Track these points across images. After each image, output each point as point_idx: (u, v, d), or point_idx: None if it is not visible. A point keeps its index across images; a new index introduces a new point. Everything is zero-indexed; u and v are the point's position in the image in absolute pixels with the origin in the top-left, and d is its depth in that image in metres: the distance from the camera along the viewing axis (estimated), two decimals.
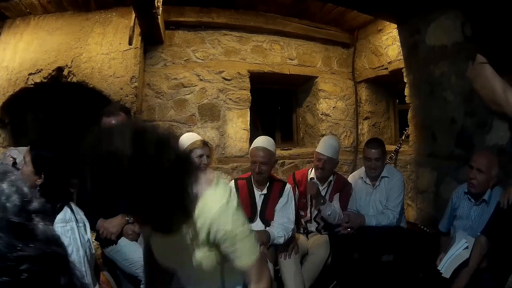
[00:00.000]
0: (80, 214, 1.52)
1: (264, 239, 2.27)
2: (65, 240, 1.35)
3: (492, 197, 2.11)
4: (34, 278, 0.38)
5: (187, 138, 2.51)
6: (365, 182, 2.83)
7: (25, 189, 0.45)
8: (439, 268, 2.13)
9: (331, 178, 2.77)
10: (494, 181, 2.11)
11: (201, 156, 2.36)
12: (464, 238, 2.15)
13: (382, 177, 2.76)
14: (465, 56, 2.47)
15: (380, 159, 2.69)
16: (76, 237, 1.42)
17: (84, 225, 1.51)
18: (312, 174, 2.82)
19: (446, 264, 2.11)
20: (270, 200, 2.45)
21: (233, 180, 2.60)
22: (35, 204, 0.44)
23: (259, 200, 2.46)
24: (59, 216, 1.42)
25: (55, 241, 0.45)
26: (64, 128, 3.67)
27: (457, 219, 2.30)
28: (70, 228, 1.42)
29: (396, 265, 2.48)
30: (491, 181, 2.10)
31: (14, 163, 2.29)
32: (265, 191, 2.47)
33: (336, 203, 2.70)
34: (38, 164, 1.47)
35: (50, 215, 0.49)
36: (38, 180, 1.46)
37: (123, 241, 2.09)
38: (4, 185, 0.42)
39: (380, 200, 2.76)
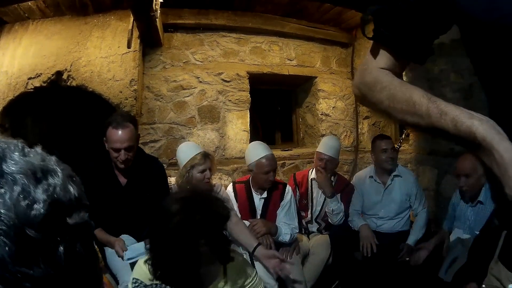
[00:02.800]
0: None
1: (272, 229, 2.26)
2: None
3: (488, 196, 2.08)
4: None
5: (186, 153, 2.34)
6: (375, 180, 2.72)
7: (65, 196, 0.34)
8: (440, 275, 2.14)
9: (332, 179, 2.77)
10: (484, 179, 2.08)
11: (203, 171, 2.26)
12: (460, 243, 2.15)
13: (394, 176, 2.65)
14: (463, 52, 2.49)
15: (394, 149, 2.65)
16: None
17: None
18: (313, 174, 2.82)
19: (446, 270, 2.12)
20: (271, 204, 2.44)
21: (231, 184, 2.58)
22: (73, 219, 0.34)
23: (259, 204, 2.45)
24: None
25: (78, 268, 0.35)
26: (64, 132, 3.68)
27: (456, 220, 2.31)
28: None
29: (398, 266, 2.47)
30: (481, 180, 2.08)
31: None
32: (265, 195, 2.45)
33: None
34: None
35: (90, 235, 0.38)
36: None
37: (112, 254, 2.03)
38: (38, 187, 0.32)
39: (394, 201, 2.62)
